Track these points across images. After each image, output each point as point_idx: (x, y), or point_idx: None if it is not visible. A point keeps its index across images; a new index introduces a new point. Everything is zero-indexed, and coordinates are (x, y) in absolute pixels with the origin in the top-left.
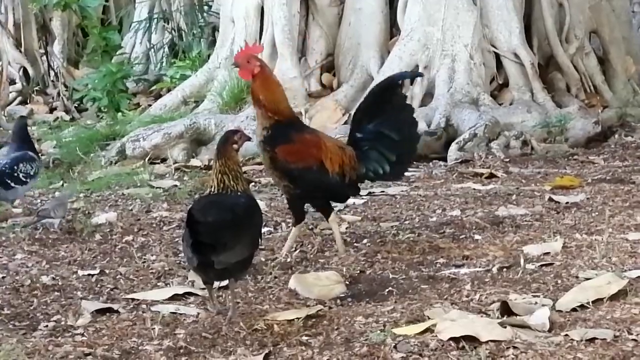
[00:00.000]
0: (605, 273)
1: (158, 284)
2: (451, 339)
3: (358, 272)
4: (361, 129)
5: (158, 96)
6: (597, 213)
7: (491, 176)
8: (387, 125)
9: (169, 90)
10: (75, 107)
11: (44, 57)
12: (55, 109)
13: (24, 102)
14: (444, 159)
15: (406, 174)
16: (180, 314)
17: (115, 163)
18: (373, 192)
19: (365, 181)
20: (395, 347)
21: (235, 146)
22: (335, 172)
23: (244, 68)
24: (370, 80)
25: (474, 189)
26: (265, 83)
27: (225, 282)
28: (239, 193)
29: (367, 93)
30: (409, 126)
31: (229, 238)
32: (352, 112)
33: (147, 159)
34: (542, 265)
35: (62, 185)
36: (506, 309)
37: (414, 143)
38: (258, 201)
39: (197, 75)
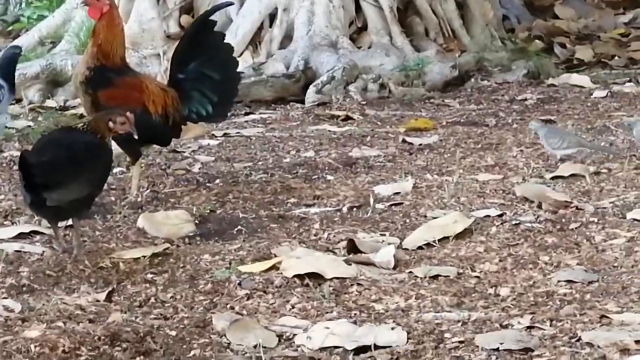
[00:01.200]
0: (453, 212)
1: (4, 222)
2: (296, 276)
3: (208, 211)
4: (182, 70)
5: (17, 37)
6: (448, 155)
7: (347, 118)
8: (208, 66)
9: (26, 31)
10: None
11: None
12: None
13: None
14: (302, 102)
15: (229, 114)
16: (25, 252)
17: None
18: (228, 134)
19: (187, 123)
20: (239, 284)
21: (111, 125)
22: (159, 115)
23: (94, 6)
24: (229, 22)
25: (330, 131)
26: (110, 24)
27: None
28: (86, 131)
29: (184, 32)
30: (230, 66)
31: (63, 176)
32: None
33: None
34: (391, 205)
35: None
36: (353, 247)
37: (236, 83)
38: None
39: (54, 15)
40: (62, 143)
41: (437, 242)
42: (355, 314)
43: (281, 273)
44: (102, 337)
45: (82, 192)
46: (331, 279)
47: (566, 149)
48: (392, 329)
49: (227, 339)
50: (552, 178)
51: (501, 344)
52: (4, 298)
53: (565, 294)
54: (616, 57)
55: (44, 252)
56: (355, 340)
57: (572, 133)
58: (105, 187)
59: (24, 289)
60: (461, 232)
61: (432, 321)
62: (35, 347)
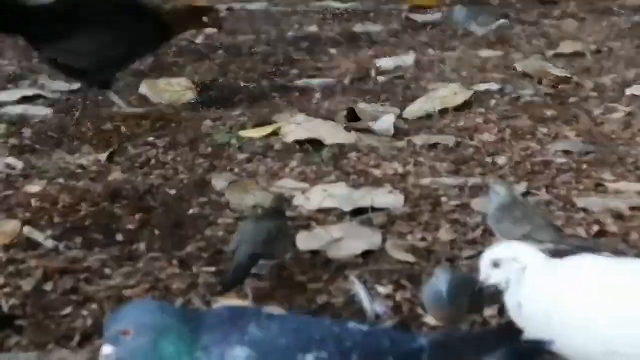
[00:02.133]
0: (453, 85)
1: (8, 86)
2: (296, 141)
3: (210, 80)
4: None
5: None
6: (451, 32)
7: None
8: None
9: None
10: None
11: None
12: None
13: None
14: None
15: None
16: (28, 114)
17: None
18: (232, 8)
19: None
20: (240, 148)
21: None
22: None
23: None
24: None
25: (334, 7)
26: None
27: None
28: None
29: None
30: None
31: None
32: None
33: None
34: (393, 78)
35: None
36: (353, 116)
37: None
38: None
39: None
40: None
41: (437, 113)
42: (353, 178)
43: (281, 138)
44: (103, 194)
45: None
46: (330, 145)
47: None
48: (390, 192)
49: (226, 199)
50: (554, 56)
51: None
52: (6, 156)
53: (562, 164)
54: None
55: (46, 114)
56: (353, 202)
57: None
58: None
59: (27, 149)
60: (461, 104)
61: (429, 186)
62: (36, 201)
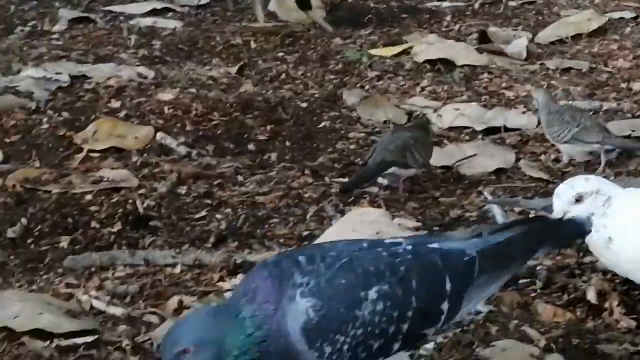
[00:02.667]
0: (587, 11)
1: None
2: (427, 61)
3: (339, 0)
4: None
5: None
6: None
7: None
8: None
9: None
10: None
11: None
12: None
13: None
14: None
15: None
16: (158, 27)
17: None
18: None
19: None
20: (370, 65)
21: None
22: None
23: None
24: None
25: None
26: None
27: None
28: None
29: None
30: None
31: None
32: None
33: None
34: (524, 3)
35: None
36: (484, 38)
37: None
38: None
39: None
40: None
41: (569, 38)
42: (485, 98)
43: (412, 57)
44: (234, 105)
45: None
46: (462, 66)
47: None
48: (523, 112)
49: (357, 114)
50: None
51: (632, 131)
52: (137, 65)
53: None
54: None
55: (175, 27)
56: (485, 121)
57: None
58: None
59: (157, 59)
60: (595, 30)
61: None
62: (168, 109)
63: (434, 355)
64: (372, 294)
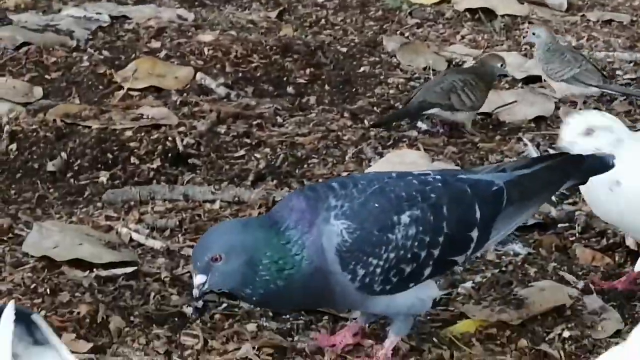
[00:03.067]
0: None
1: None
2: (467, 10)
3: None
4: None
5: None
6: None
7: None
8: None
9: None
10: None
11: None
12: None
13: None
14: None
15: None
16: None
17: None
18: None
19: None
20: (410, 13)
21: None
22: None
23: None
24: None
25: None
26: None
27: None
28: None
29: None
30: None
31: None
32: None
33: None
34: None
35: None
36: None
37: None
38: None
39: None
40: None
41: None
42: (525, 48)
43: (452, 6)
44: (274, 48)
45: None
46: (502, 15)
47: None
48: None
49: (397, 59)
50: None
51: None
52: (177, 8)
53: None
54: None
55: None
56: (525, 70)
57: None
58: None
59: (196, 2)
60: None
61: (603, 59)
62: (208, 50)
63: (472, 293)
64: (405, 218)
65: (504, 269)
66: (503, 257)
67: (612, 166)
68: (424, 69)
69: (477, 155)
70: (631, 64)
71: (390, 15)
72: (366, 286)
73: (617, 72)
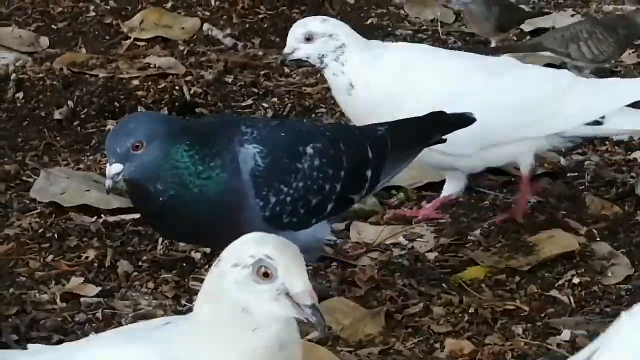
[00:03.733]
0: None
1: None
2: None
3: None
4: None
5: None
6: None
7: None
8: None
9: None
10: None
11: None
12: None
13: None
14: None
15: None
16: None
17: None
18: None
19: None
20: None
21: None
22: None
23: None
24: None
25: None
26: None
27: None
28: None
29: None
30: None
31: None
32: None
33: None
34: None
35: None
36: None
37: None
38: None
39: None
40: None
41: None
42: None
43: None
44: None
45: None
46: None
47: None
48: None
49: (405, 11)
50: None
51: None
52: None
53: None
54: None
55: None
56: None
57: None
58: None
59: None
60: None
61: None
62: (215, 1)
63: (481, 240)
64: (309, 149)
65: (512, 216)
66: (512, 204)
67: (473, 120)
68: (432, 21)
69: None
70: None
71: None
72: (275, 217)
73: None
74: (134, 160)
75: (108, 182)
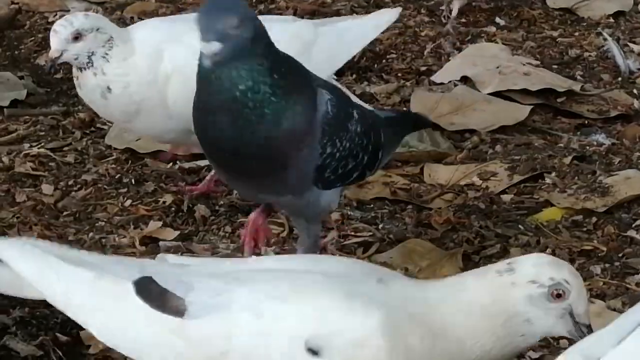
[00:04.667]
0: None
1: None
2: None
3: None
4: None
5: None
6: None
7: None
8: None
9: None
10: None
11: None
12: None
13: None
14: None
15: None
16: None
17: None
18: None
19: None
20: None
21: None
22: None
23: None
24: None
25: None
26: None
27: None
28: None
29: None
30: None
31: None
32: None
33: None
34: None
35: None
36: None
37: None
38: None
39: None
40: None
41: None
42: None
43: None
44: None
45: None
46: None
47: None
48: None
49: None
50: None
51: None
52: None
53: None
54: None
55: None
56: None
57: None
58: None
59: None
60: None
61: None
62: None
63: (556, 182)
64: (356, 114)
65: (587, 158)
66: (587, 147)
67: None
68: None
69: (556, 49)
70: None
71: None
72: (323, 168)
73: None
74: (232, 38)
75: (206, 62)
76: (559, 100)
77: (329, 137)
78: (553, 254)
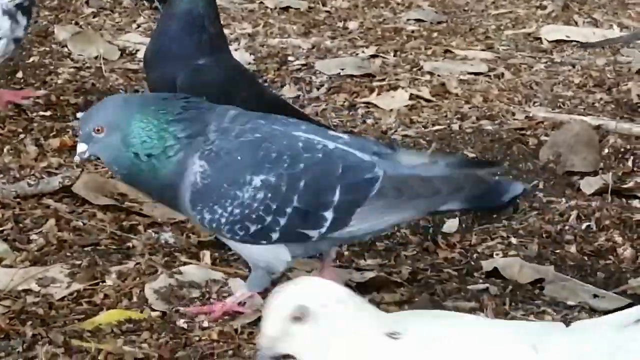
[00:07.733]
0: None
1: None
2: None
3: None
4: None
5: None
6: None
7: None
8: None
9: None
10: None
11: None
12: None
13: None
14: None
15: None
16: None
17: None
18: None
19: None
20: (87, 2)
21: None
22: None
23: None
24: None
25: None
26: None
27: None
28: None
29: None
30: None
31: None
32: None
33: None
34: None
35: None
36: None
37: None
38: None
39: None
40: None
41: None
42: None
43: None
44: None
45: None
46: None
47: None
48: (236, 50)
49: (68, 49)
50: None
51: (342, 69)
52: None
53: (412, 31)
54: None
55: None
56: None
57: None
58: None
59: None
60: None
61: (277, 46)
62: None
63: None
64: (257, 181)
65: None
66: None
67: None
68: (95, 57)
69: None
70: (304, 50)
71: (65, 4)
72: (215, 229)
73: (290, 58)
74: (96, 142)
75: (76, 159)
76: None
77: (201, 205)
78: None
